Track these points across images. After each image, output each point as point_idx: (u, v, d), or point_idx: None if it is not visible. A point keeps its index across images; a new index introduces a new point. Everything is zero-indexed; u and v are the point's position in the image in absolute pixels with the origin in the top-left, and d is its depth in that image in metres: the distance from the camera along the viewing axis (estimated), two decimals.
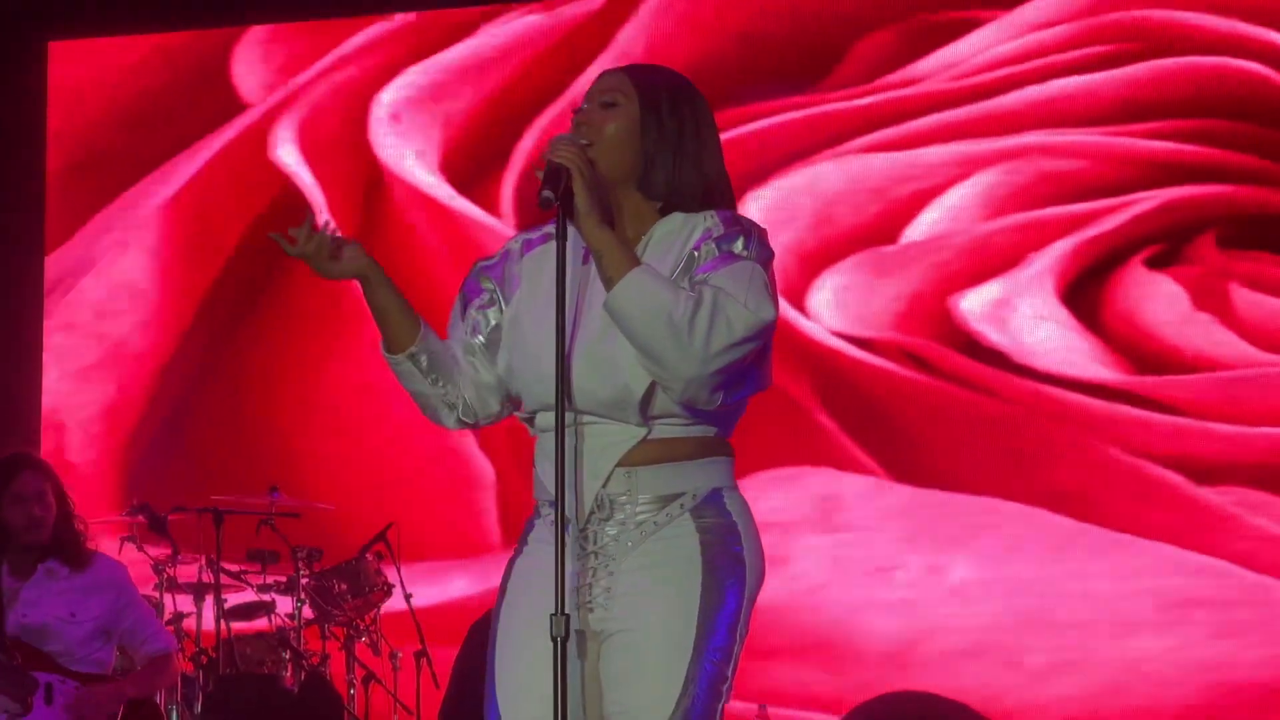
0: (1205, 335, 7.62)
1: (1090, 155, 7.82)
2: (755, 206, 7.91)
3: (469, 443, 8.33)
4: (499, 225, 8.35)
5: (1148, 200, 7.73)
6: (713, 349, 2.83)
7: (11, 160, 8.79)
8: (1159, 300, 7.71)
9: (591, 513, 2.95)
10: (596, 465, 2.94)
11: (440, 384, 3.11)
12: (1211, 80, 7.72)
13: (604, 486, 2.95)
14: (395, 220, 8.58)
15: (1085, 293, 7.76)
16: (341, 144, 8.66)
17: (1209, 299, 7.64)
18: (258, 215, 8.61)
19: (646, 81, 3.07)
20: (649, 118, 3.03)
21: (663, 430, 2.95)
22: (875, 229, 7.99)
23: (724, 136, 3.14)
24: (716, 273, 2.91)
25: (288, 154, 8.66)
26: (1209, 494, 7.50)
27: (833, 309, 7.95)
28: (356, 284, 3.11)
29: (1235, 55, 7.72)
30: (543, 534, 3.02)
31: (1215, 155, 7.67)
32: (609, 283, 2.89)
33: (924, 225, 7.94)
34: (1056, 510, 7.61)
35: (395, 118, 8.61)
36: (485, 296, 3.13)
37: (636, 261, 2.90)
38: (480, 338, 3.12)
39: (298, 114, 8.71)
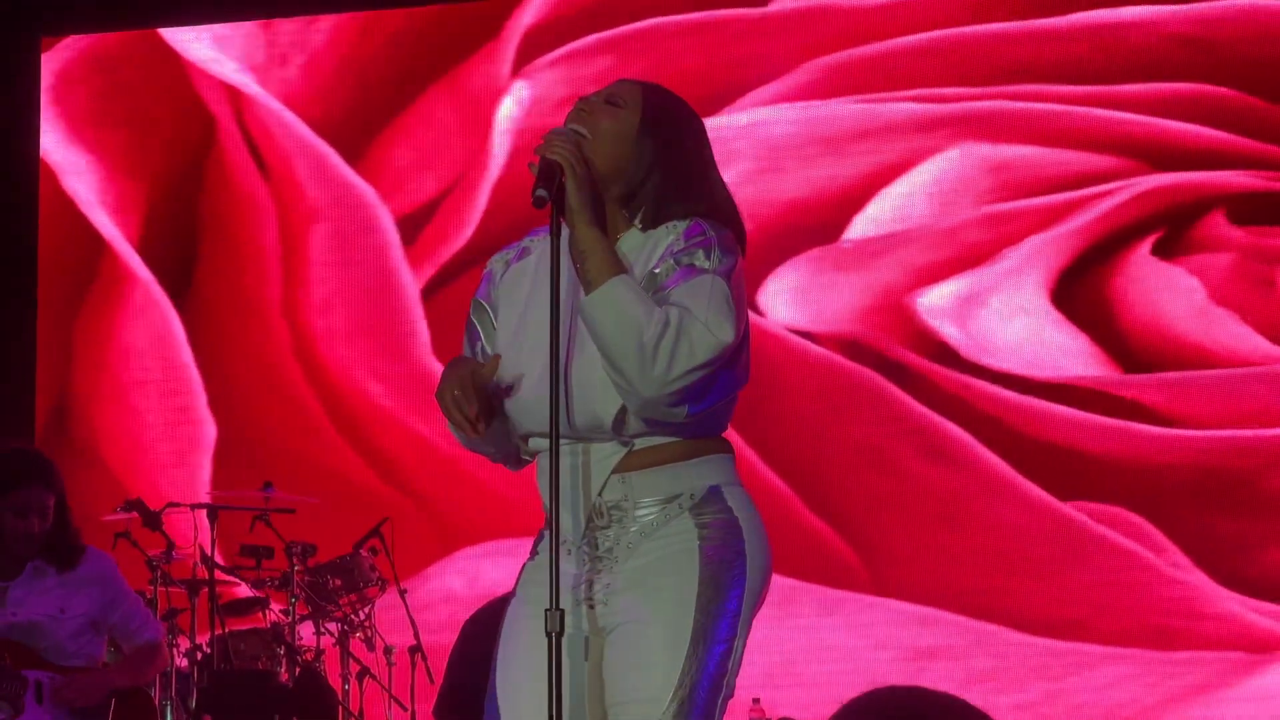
0: (1224, 329, 7.49)
1: (1056, 131, 7.68)
2: None
3: (199, 402, 8.42)
4: (295, 121, 8.43)
5: (1129, 188, 7.62)
6: (673, 374, 2.84)
7: (5, 154, 8.79)
8: (1169, 291, 7.57)
9: (591, 520, 2.97)
10: (591, 480, 2.96)
11: (509, 438, 3.09)
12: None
13: (600, 495, 2.97)
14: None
15: (1074, 286, 7.67)
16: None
17: (1241, 285, 7.49)
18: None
19: (655, 99, 3.06)
20: (645, 130, 3.01)
21: (650, 439, 2.96)
22: (822, 192, 7.88)
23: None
24: (677, 289, 2.89)
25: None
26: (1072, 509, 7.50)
27: (791, 305, 7.85)
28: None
29: None
30: (549, 544, 3.02)
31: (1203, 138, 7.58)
32: (588, 285, 2.89)
33: (874, 216, 7.83)
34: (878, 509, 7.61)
35: None
36: (483, 344, 3.12)
37: (620, 268, 2.90)
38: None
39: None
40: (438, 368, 8.05)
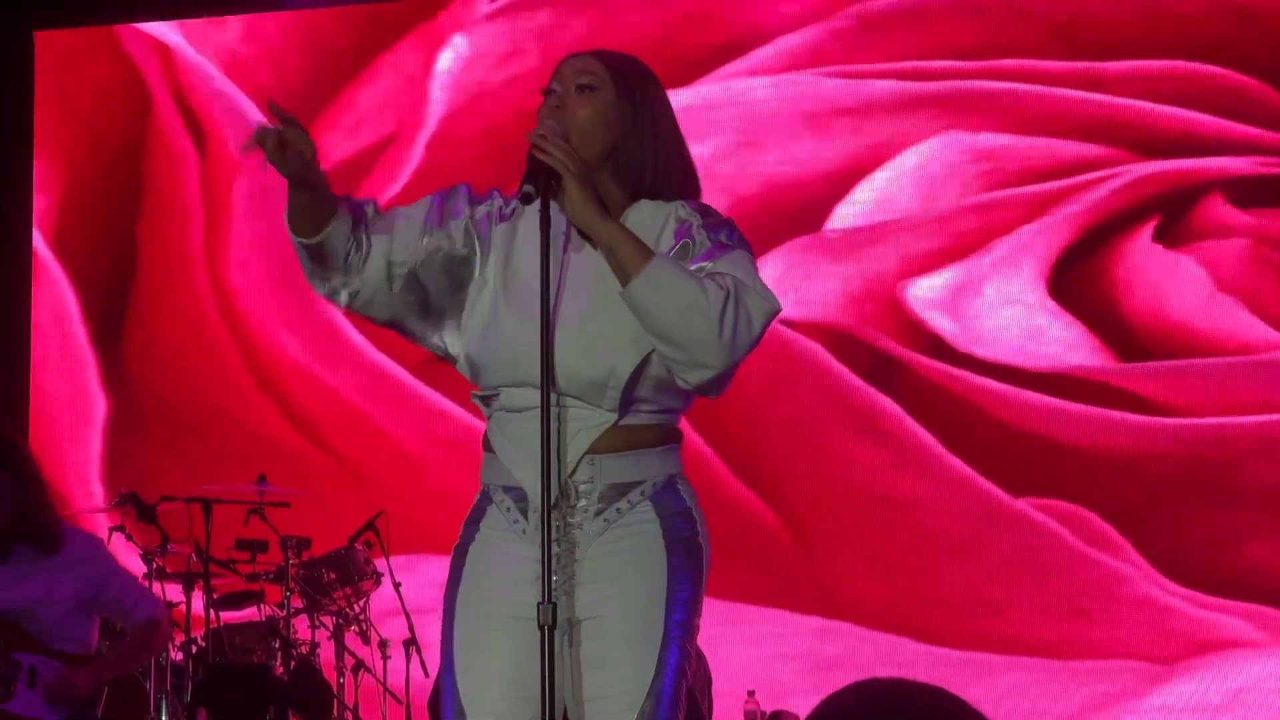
0: (1230, 317, 7.38)
1: (1044, 116, 7.58)
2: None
3: (89, 376, 8.52)
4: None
5: (1122, 175, 7.53)
6: (739, 341, 2.85)
7: None
8: (1173, 280, 7.47)
9: (557, 502, 2.93)
10: (564, 452, 2.94)
11: (338, 272, 3.02)
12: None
13: (571, 475, 2.95)
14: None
15: (1072, 276, 7.59)
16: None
17: (1251, 271, 7.39)
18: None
19: (619, 67, 3.06)
20: (625, 104, 3.02)
21: (631, 418, 2.95)
22: (804, 171, 7.80)
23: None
24: (716, 261, 2.91)
25: None
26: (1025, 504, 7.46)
27: (775, 293, 7.77)
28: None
29: None
30: (496, 520, 3.01)
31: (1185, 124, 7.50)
32: (625, 275, 2.86)
33: (858, 204, 7.76)
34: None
35: None
36: (460, 232, 3.04)
37: (649, 252, 2.88)
38: (441, 247, 3.02)
39: None
40: (339, 318, 8.13)
